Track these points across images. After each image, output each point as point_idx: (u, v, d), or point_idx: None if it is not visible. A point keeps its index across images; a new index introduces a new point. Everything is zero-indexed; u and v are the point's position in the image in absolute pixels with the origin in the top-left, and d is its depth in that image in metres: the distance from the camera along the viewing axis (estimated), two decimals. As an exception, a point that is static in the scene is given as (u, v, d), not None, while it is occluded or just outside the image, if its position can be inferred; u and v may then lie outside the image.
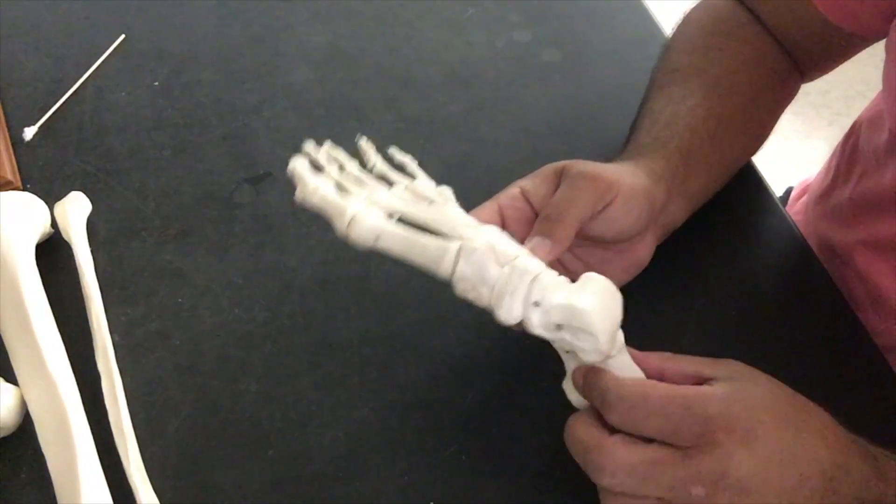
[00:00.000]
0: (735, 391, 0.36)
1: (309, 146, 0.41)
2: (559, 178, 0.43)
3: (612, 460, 0.35)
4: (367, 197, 0.40)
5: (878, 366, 0.50)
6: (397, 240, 0.38)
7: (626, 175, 0.44)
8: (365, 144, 0.42)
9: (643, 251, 0.46)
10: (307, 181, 0.40)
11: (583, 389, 0.38)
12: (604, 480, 0.35)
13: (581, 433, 0.37)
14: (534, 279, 0.36)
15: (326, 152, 0.42)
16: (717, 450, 0.34)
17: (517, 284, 0.36)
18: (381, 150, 0.59)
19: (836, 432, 0.36)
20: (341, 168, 0.42)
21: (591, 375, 0.37)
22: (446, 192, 0.41)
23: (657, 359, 0.39)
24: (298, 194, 0.40)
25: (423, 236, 0.38)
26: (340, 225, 0.39)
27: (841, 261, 0.57)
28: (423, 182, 0.41)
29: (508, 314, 0.36)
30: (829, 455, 0.35)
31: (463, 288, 0.37)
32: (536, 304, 0.36)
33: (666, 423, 0.35)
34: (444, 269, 0.37)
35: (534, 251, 0.38)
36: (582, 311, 0.35)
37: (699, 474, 0.34)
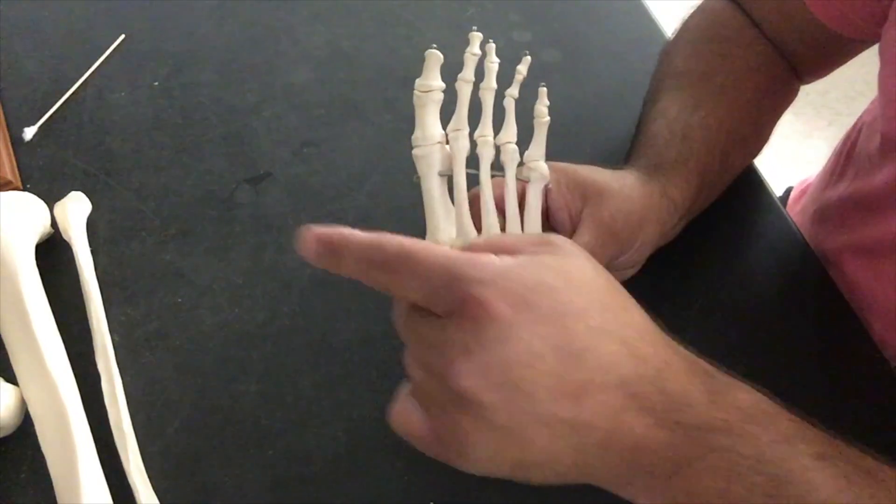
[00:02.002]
0: (522, 260, 0.30)
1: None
2: (582, 199, 0.44)
3: (398, 320, 0.32)
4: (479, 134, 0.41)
5: (878, 366, 0.50)
6: (435, 190, 0.40)
7: (649, 219, 0.45)
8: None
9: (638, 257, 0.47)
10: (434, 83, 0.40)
11: (328, 257, 0.32)
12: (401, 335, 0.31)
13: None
14: None
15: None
16: (472, 318, 0.28)
17: None
18: (381, 149, 0.59)
19: (653, 343, 0.31)
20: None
21: (336, 237, 0.31)
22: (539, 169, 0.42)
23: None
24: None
25: (443, 216, 0.40)
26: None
27: (829, 265, 0.57)
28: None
29: None
30: (634, 366, 0.29)
31: None
32: None
33: (427, 282, 0.30)
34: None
35: None
36: None
37: (449, 343, 0.29)
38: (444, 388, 0.29)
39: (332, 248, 0.31)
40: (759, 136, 0.56)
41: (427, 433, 0.31)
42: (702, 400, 0.30)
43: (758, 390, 0.31)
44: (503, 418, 0.28)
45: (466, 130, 0.41)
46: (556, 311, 0.29)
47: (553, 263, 0.31)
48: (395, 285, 0.31)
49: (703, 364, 0.31)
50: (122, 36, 0.65)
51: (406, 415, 0.32)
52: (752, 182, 0.59)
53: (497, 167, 0.42)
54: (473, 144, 0.41)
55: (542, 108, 0.43)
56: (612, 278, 0.32)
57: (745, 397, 0.31)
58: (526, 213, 0.43)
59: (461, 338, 0.29)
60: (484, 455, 0.30)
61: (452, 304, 0.29)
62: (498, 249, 0.31)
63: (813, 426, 0.31)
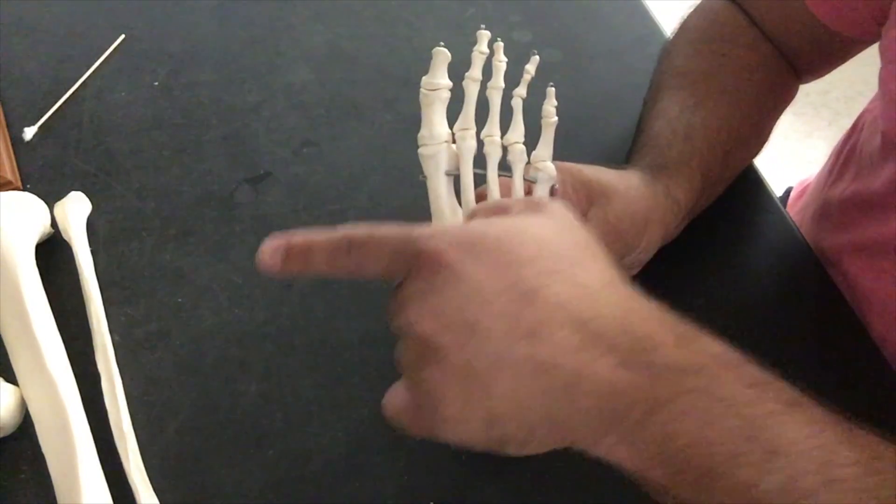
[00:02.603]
0: (476, 222, 0.31)
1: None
2: (588, 199, 0.44)
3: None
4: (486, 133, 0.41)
5: (878, 365, 0.50)
6: (442, 189, 0.40)
7: (654, 219, 0.45)
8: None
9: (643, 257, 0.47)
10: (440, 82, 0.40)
11: (298, 259, 0.33)
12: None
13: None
14: None
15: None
16: (431, 269, 0.29)
17: None
18: (381, 149, 0.59)
19: (617, 289, 0.30)
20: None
21: (300, 240, 0.33)
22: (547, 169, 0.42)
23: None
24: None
25: (450, 216, 0.40)
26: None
27: (829, 265, 0.57)
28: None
29: None
30: (593, 306, 0.29)
31: None
32: None
33: (387, 253, 0.31)
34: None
35: None
36: None
37: (405, 299, 0.30)
38: (409, 344, 0.30)
39: (299, 250, 0.32)
40: (759, 135, 0.56)
41: (408, 404, 0.31)
42: (670, 342, 0.29)
43: (725, 342, 0.31)
44: (461, 360, 0.28)
45: (474, 130, 0.41)
46: (505, 257, 0.29)
47: (514, 221, 0.31)
48: (360, 265, 0.31)
49: (671, 315, 0.31)
50: (122, 36, 0.65)
51: (392, 395, 0.32)
52: (752, 182, 0.59)
53: (503, 167, 0.42)
54: (480, 144, 0.41)
55: (549, 108, 0.43)
56: (577, 231, 0.32)
57: (713, 344, 0.30)
58: None
59: (416, 287, 0.29)
60: (455, 410, 0.29)
61: (409, 264, 0.30)
62: (490, 213, 0.33)
63: (778, 377, 0.30)
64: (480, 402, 0.29)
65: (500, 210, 0.33)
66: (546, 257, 0.30)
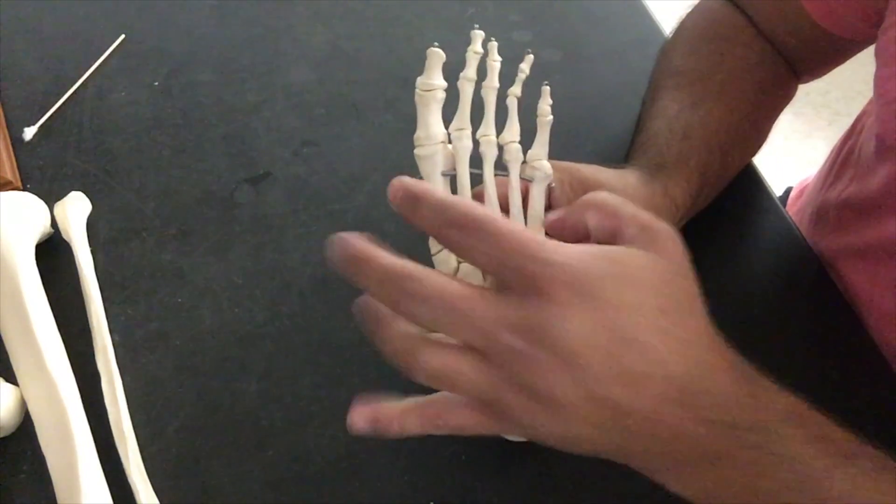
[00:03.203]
0: (598, 250, 0.31)
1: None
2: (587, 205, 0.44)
3: (425, 285, 0.30)
4: (481, 133, 0.41)
5: (878, 365, 0.50)
6: (438, 186, 0.40)
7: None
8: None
9: None
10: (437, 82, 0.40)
11: (406, 204, 0.32)
12: (410, 307, 0.30)
13: (390, 260, 0.31)
14: None
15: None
16: (541, 298, 0.29)
17: None
18: (381, 149, 0.59)
19: (707, 347, 0.32)
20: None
21: (420, 188, 0.32)
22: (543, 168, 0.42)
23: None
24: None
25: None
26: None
27: (826, 267, 0.57)
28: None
29: None
30: (686, 366, 0.30)
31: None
32: None
33: (499, 251, 0.30)
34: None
35: None
36: None
37: (516, 320, 0.29)
38: (494, 356, 0.30)
39: (414, 197, 0.32)
40: (758, 135, 0.56)
41: (481, 386, 0.31)
42: (740, 401, 0.31)
43: (791, 393, 0.33)
44: (548, 385, 0.29)
45: (469, 130, 0.41)
46: (614, 302, 0.30)
47: (625, 259, 0.32)
48: (465, 247, 0.31)
49: (747, 368, 0.33)
50: (122, 36, 0.65)
51: (456, 363, 0.31)
52: (751, 182, 0.59)
53: (499, 166, 0.42)
54: (476, 144, 0.41)
55: (545, 106, 0.43)
56: (684, 281, 0.33)
57: (782, 399, 0.32)
58: (529, 212, 0.43)
59: (526, 314, 0.29)
60: (530, 426, 0.31)
61: (520, 279, 0.30)
62: (605, 232, 0.34)
63: (839, 426, 0.33)
64: (555, 424, 0.30)
65: (615, 228, 0.34)
66: (659, 309, 0.31)
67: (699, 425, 0.30)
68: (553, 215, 0.39)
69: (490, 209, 0.41)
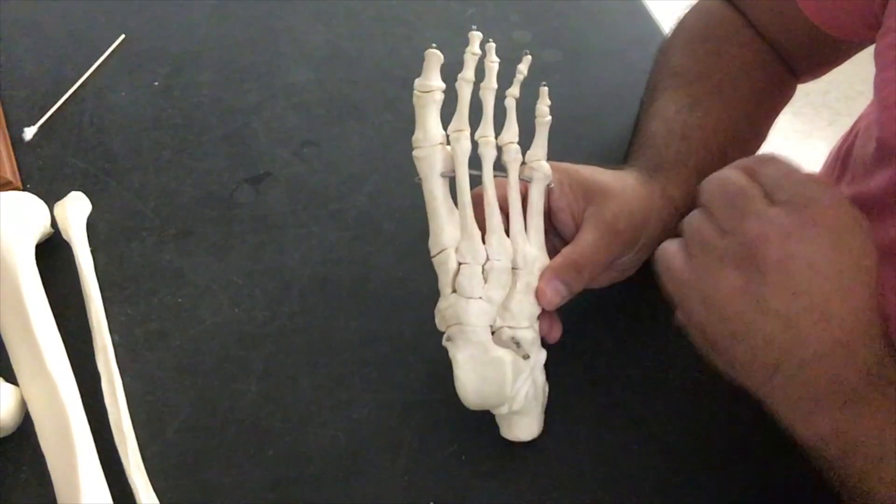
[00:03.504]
0: (805, 220, 0.35)
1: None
2: (585, 199, 0.44)
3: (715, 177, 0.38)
4: (481, 135, 0.42)
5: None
6: (438, 191, 0.40)
7: (651, 219, 0.46)
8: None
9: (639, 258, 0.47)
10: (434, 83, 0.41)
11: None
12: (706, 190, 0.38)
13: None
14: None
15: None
16: (795, 212, 0.35)
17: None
18: (381, 149, 0.59)
19: (870, 306, 0.36)
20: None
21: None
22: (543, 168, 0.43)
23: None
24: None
25: (446, 217, 0.41)
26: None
27: None
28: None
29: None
30: (861, 322, 0.35)
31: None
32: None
33: (787, 179, 0.36)
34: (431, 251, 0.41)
35: (552, 295, 0.42)
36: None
37: (770, 216, 0.35)
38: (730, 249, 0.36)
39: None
40: (756, 135, 0.56)
41: (686, 270, 0.38)
42: (886, 356, 0.35)
43: None
44: (769, 291, 0.35)
45: (468, 131, 0.41)
46: (778, 282, 0.35)
47: (795, 243, 0.35)
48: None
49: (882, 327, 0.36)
50: (122, 36, 0.65)
51: (673, 253, 0.38)
52: (751, 182, 0.59)
53: (498, 167, 0.42)
54: (474, 145, 0.41)
55: (543, 107, 0.43)
56: (851, 259, 0.36)
57: None
58: (529, 213, 0.43)
59: (784, 216, 0.35)
60: (718, 308, 0.36)
61: (791, 197, 0.35)
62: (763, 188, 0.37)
63: None
64: (737, 326, 0.36)
65: (777, 188, 0.36)
66: (809, 292, 0.35)
67: (853, 371, 0.34)
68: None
69: (489, 209, 0.41)
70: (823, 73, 0.59)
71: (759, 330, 0.35)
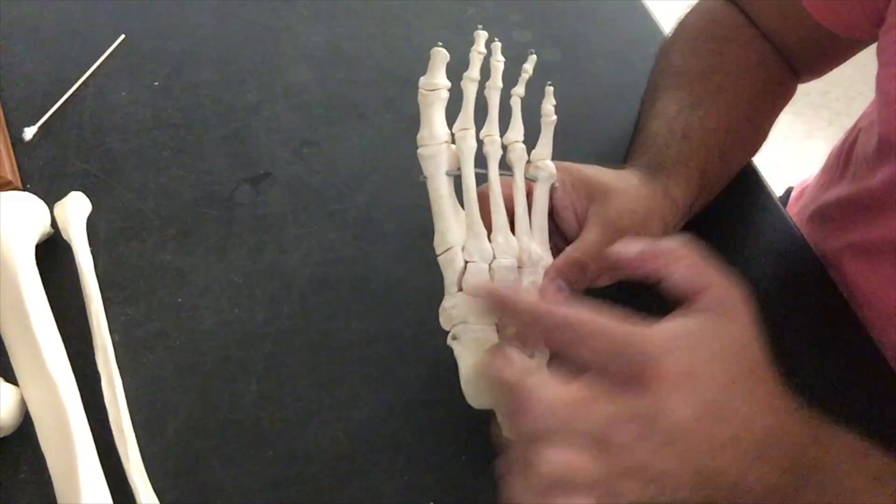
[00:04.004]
0: (692, 330, 0.34)
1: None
2: (588, 198, 0.45)
3: (538, 398, 0.33)
4: (486, 133, 0.42)
5: (878, 365, 0.50)
6: (444, 190, 0.40)
7: (653, 218, 0.46)
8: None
9: None
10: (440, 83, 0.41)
11: (500, 307, 0.37)
12: (527, 422, 0.33)
13: (504, 368, 0.34)
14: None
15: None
16: (653, 389, 0.32)
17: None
18: (381, 149, 0.59)
19: (778, 398, 0.35)
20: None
21: (509, 296, 0.37)
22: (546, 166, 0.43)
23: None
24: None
25: (452, 216, 0.40)
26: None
27: (829, 267, 0.57)
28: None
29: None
30: (763, 419, 0.34)
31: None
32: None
33: (605, 349, 0.33)
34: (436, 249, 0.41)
35: (555, 294, 0.40)
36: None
37: (630, 412, 0.32)
38: (619, 448, 0.32)
39: (501, 304, 0.37)
40: (757, 135, 0.56)
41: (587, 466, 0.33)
42: (811, 445, 0.35)
43: (849, 432, 0.36)
44: (670, 470, 0.33)
45: (473, 130, 0.41)
46: (706, 379, 0.33)
47: (708, 334, 0.34)
48: (570, 346, 0.34)
49: (809, 412, 0.36)
50: (122, 36, 0.65)
51: (577, 460, 0.33)
52: (752, 182, 0.59)
53: (503, 166, 0.42)
54: (479, 144, 0.41)
55: (549, 106, 0.43)
56: (757, 342, 0.36)
57: (843, 439, 0.36)
58: (534, 212, 0.43)
59: (638, 405, 0.32)
60: (639, 501, 0.34)
61: (629, 371, 0.33)
62: (689, 277, 0.37)
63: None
64: (663, 497, 0.33)
65: (698, 288, 0.36)
66: (746, 376, 0.34)
67: (775, 474, 0.34)
68: (634, 246, 0.38)
69: (495, 207, 0.41)
70: (825, 72, 0.59)
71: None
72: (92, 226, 0.52)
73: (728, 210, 0.56)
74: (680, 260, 0.37)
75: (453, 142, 0.41)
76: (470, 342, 0.40)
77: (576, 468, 0.32)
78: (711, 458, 0.33)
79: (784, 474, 0.34)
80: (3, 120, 0.57)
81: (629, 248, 0.38)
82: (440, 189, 0.40)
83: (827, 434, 0.35)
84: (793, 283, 0.55)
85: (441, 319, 0.41)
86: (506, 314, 0.38)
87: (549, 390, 0.33)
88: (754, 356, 0.35)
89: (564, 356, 0.35)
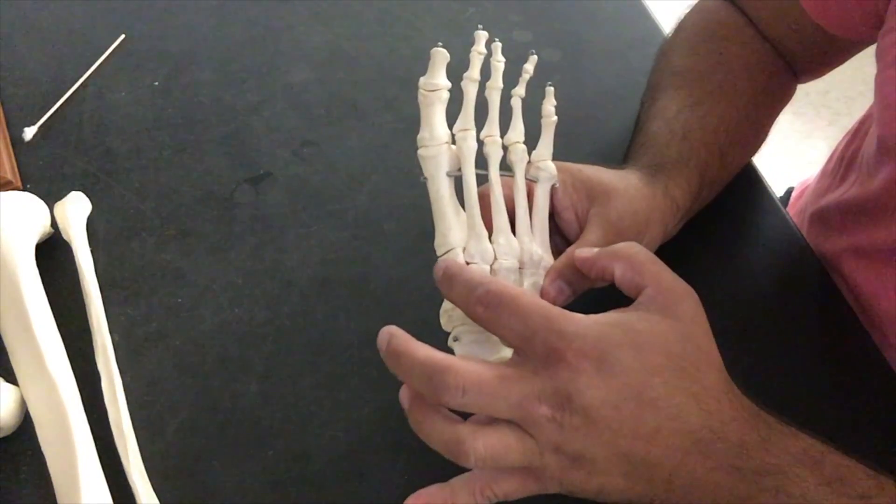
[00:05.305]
0: (613, 320, 0.34)
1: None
2: (588, 199, 0.45)
3: (461, 376, 0.33)
4: (487, 134, 0.42)
5: (878, 365, 0.50)
6: (444, 191, 0.40)
7: (653, 218, 0.46)
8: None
9: None
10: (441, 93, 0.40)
11: (444, 282, 0.37)
12: (451, 400, 0.33)
13: (425, 354, 0.34)
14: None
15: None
16: (562, 368, 0.33)
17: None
18: (381, 149, 0.59)
19: (717, 398, 0.34)
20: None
21: (455, 269, 0.37)
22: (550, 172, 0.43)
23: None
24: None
25: (453, 217, 0.40)
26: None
27: (830, 269, 0.57)
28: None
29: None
30: (700, 418, 0.33)
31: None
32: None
33: (523, 327, 0.34)
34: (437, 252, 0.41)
35: (555, 295, 0.41)
36: None
37: (544, 392, 0.33)
38: (530, 422, 0.33)
39: (450, 276, 0.37)
40: (757, 135, 0.56)
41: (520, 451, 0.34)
42: (757, 447, 0.34)
43: (810, 436, 0.35)
44: (578, 446, 0.33)
45: (474, 130, 0.41)
46: (628, 367, 0.33)
47: (638, 326, 0.34)
48: (492, 322, 0.35)
49: (763, 416, 0.35)
50: (122, 36, 0.65)
51: (501, 441, 0.33)
52: (751, 182, 0.59)
53: (503, 167, 0.42)
54: (480, 144, 0.41)
55: (549, 107, 0.43)
56: (700, 340, 0.36)
57: (795, 443, 0.35)
58: (534, 212, 0.43)
59: (552, 385, 0.33)
60: (568, 483, 0.34)
61: (544, 351, 0.33)
62: (631, 286, 0.37)
63: (860, 466, 0.35)
64: (589, 480, 0.34)
65: (638, 285, 0.36)
66: (668, 369, 0.34)
67: (716, 472, 0.33)
68: (583, 253, 0.39)
69: (496, 208, 0.41)
70: (824, 73, 0.60)
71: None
72: (92, 226, 0.52)
73: (728, 210, 0.56)
74: (620, 260, 0.37)
75: (454, 142, 0.41)
76: (471, 344, 0.40)
77: (504, 447, 0.33)
78: (638, 446, 0.33)
79: (727, 474, 0.33)
80: (3, 120, 0.57)
81: (583, 252, 0.39)
82: (441, 190, 0.40)
83: (779, 437, 0.35)
84: (793, 284, 0.55)
85: (442, 321, 0.41)
86: (452, 291, 0.37)
87: (474, 366, 0.33)
88: (688, 353, 0.35)
89: (489, 330, 0.36)
